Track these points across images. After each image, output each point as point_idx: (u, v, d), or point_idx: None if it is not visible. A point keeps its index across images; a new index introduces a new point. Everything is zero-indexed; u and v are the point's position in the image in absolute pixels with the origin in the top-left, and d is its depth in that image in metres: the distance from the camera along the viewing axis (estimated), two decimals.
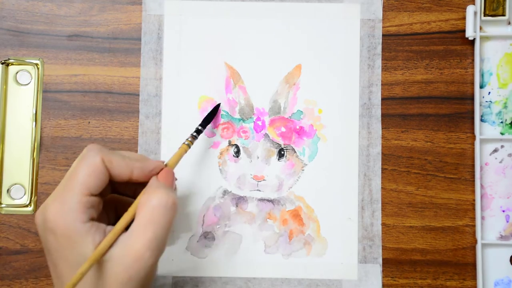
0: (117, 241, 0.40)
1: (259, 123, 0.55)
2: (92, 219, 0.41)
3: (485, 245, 0.54)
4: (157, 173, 0.45)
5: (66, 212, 0.40)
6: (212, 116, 0.53)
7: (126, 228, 0.41)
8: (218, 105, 0.54)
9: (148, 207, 0.41)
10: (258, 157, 0.55)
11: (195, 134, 0.50)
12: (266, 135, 0.55)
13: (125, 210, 0.42)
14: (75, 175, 0.41)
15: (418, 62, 0.56)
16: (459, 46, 0.56)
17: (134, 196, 0.45)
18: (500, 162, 0.55)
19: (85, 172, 0.41)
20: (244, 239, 0.54)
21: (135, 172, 0.43)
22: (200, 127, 0.51)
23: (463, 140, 0.55)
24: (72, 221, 0.39)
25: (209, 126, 0.55)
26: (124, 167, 0.42)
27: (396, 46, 0.56)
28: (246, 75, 0.55)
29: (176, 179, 0.47)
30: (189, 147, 0.49)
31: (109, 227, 0.41)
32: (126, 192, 0.47)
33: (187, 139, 0.49)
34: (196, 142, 0.52)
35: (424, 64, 0.56)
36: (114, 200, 0.46)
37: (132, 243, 0.40)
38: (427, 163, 0.55)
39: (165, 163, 0.46)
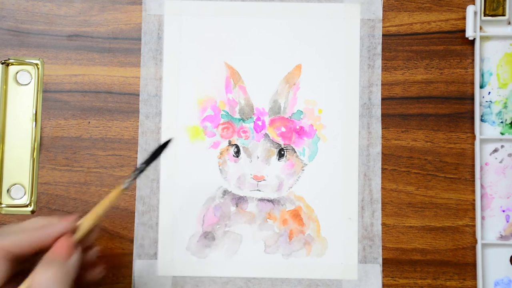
0: None
1: (259, 123, 0.55)
2: None
3: (485, 245, 0.54)
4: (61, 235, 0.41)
5: None
6: (159, 152, 0.46)
7: None
8: (168, 141, 0.47)
9: None
10: (258, 157, 0.55)
11: (137, 173, 0.44)
12: (266, 135, 0.55)
13: None
14: None
15: (418, 62, 0.56)
16: (459, 46, 0.56)
17: None
18: (500, 162, 0.55)
19: None
20: (244, 239, 0.54)
21: (38, 245, 0.40)
22: (144, 165, 0.45)
23: (463, 140, 0.55)
24: None
25: (209, 126, 0.55)
26: (26, 245, 0.40)
27: (396, 46, 0.56)
28: (246, 75, 0.55)
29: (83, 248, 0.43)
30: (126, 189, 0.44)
31: None
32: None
33: (126, 181, 0.44)
34: (197, 142, 0.51)
35: (424, 64, 0.56)
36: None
37: None
38: (427, 163, 0.55)
39: (78, 222, 0.42)
